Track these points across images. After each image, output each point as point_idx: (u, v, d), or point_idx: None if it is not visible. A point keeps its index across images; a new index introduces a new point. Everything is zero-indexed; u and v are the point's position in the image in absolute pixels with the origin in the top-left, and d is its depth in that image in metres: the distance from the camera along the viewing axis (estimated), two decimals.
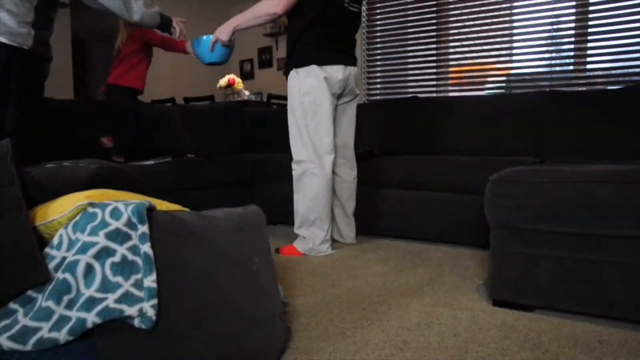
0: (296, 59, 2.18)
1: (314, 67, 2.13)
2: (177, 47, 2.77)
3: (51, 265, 0.94)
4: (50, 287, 0.89)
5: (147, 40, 2.76)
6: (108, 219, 0.95)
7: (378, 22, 3.87)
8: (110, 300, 0.87)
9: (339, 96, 2.27)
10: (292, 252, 2.28)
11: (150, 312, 0.88)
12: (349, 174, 2.42)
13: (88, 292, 0.88)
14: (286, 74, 2.26)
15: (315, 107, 2.15)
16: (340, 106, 2.32)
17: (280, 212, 3.01)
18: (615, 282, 1.32)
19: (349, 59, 2.24)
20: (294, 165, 2.28)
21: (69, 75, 5.15)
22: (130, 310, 0.87)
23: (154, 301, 0.90)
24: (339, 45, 2.20)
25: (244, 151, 3.69)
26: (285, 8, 2.05)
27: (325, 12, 2.13)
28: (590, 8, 3.01)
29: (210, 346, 0.96)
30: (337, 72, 2.17)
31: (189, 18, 6.99)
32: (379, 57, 3.89)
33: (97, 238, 0.92)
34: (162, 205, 1.17)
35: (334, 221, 2.48)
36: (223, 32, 2.17)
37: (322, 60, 2.14)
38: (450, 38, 3.56)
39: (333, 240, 2.49)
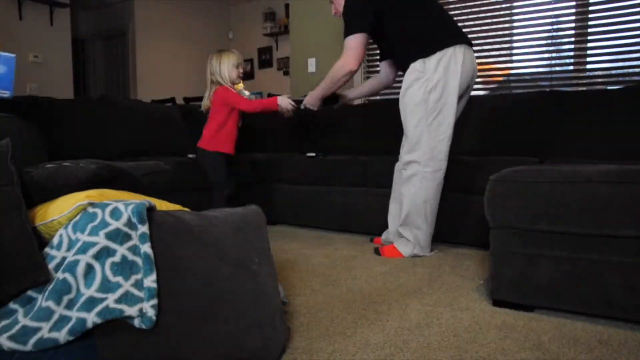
0: (418, 49, 2.03)
1: (447, 51, 1.98)
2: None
3: (51, 265, 0.94)
4: (50, 287, 0.89)
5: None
6: (108, 219, 0.95)
7: None
8: (111, 300, 0.87)
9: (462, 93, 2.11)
10: (394, 253, 2.16)
11: (151, 312, 0.88)
12: None
13: (88, 292, 0.88)
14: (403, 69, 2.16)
15: (440, 105, 2.01)
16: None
17: (280, 212, 3.02)
18: (615, 282, 1.32)
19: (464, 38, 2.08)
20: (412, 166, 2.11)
21: (69, 75, 5.17)
22: (131, 310, 0.87)
23: (154, 301, 0.90)
24: (447, 26, 2.08)
25: (244, 151, 3.68)
26: (359, 61, 2.11)
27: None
28: (590, 8, 3.01)
29: (210, 346, 0.96)
30: (465, 55, 2.02)
31: (189, 18, 6.96)
32: (378, 57, 3.88)
33: (97, 238, 0.92)
34: (162, 205, 1.17)
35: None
36: (314, 103, 2.38)
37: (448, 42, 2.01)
38: None
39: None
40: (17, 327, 0.86)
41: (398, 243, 2.20)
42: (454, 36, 2.03)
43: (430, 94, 1.99)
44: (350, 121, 3.35)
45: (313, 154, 2.93)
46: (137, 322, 0.88)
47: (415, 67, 2.03)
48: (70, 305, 0.87)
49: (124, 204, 0.98)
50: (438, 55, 1.98)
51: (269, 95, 4.97)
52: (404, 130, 2.14)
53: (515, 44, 3.32)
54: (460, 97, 2.11)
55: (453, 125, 2.07)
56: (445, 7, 3.53)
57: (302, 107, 2.39)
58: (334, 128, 3.42)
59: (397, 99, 3.29)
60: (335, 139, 3.37)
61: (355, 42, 2.08)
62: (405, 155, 2.13)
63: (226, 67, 2.55)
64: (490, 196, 1.49)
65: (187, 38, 6.48)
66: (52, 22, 5.03)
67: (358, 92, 2.63)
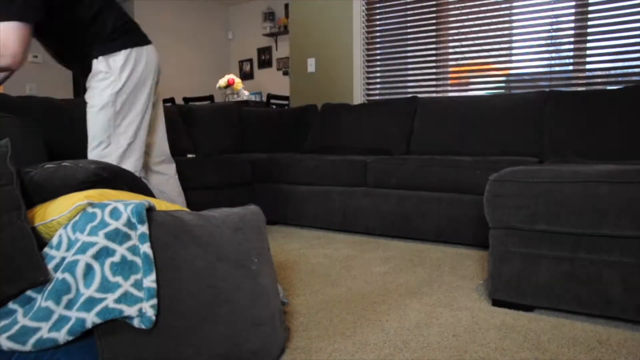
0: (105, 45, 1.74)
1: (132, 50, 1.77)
2: None
3: (50, 265, 0.94)
4: (50, 287, 0.89)
5: None
6: (107, 219, 0.95)
7: (377, 22, 3.87)
8: (110, 300, 0.87)
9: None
10: None
11: (150, 312, 0.88)
12: (170, 168, 2.19)
13: (87, 292, 0.88)
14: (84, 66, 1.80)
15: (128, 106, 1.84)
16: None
17: (280, 212, 3.02)
18: (615, 282, 1.32)
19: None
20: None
21: (68, 75, 5.16)
22: (130, 310, 0.87)
23: (154, 301, 0.90)
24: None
25: (244, 151, 3.69)
26: (21, 61, 1.54)
27: None
28: (590, 8, 3.01)
29: (209, 346, 0.96)
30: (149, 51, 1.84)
31: (189, 19, 6.96)
32: (378, 57, 3.89)
33: (96, 238, 0.92)
34: (161, 205, 1.17)
35: None
36: None
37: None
38: (450, 38, 3.56)
39: None
40: (16, 327, 0.86)
41: None
42: (138, 35, 1.82)
43: (119, 95, 1.77)
44: (350, 121, 3.35)
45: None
46: (136, 322, 0.88)
47: (99, 67, 1.76)
48: (69, 305, 0.87)
49: (123, 204, 0.98)
50: (124, 53, 1.75)
51: (269, 95, 4.98)
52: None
53: (514, 44, 3.32)
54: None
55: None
56: (445, 7, 3.55)
57: None
58: (333, 128, 3.42)
59: (398, 99, 3.30)
60: (335, 138, 3.37)
61: (19, 33, 1.49)
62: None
63: None
64: (490, 196, 1.49)
65: (187, 38, 6.48)
66: None
67: None
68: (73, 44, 1.75)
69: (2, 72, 1.60)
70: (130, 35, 1.79)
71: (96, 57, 1.74)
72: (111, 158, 1.81)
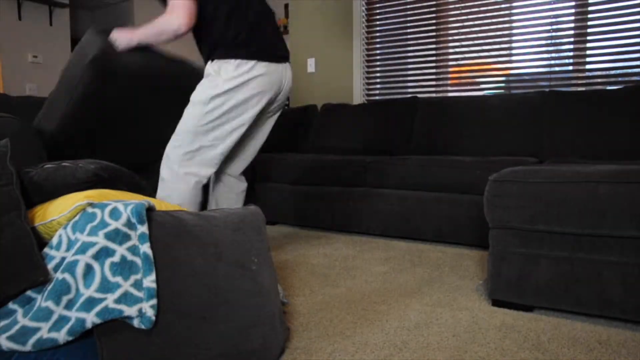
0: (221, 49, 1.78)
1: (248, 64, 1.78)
2: None
3: (50, 266, 0.94)
4: (50, 287, 0.89)
5: None
6: (107, 219, 0.95)
7: (377, 22, 3.86)
8: (110, 300, 0.87)
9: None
10: None
11: (150, 313, 0.88)
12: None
13: (87, 292, 0.88)
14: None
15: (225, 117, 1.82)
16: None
17: (280, 212, 3.02)
18: (615, 282, 1.32)
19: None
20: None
21: None
22: (130, 311, 0.87)
23: (154, 301, 0.90)
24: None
25: None
26: (189, 25, 1.71)
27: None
28: (590, 8, 3.01)
29: (209, 346, 0.96)
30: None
31: None
32: (378, 57, 3.89)
33: (96, 238, 0.92)
34: (161, 205, 1.17)
35: None
36: (123, 43, 1.78)
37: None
38: (450, 38, 3.56)
39: None
40: (16, 327, 0.86)
41: None
42: (260, 50, 1.79)
43: (214, 99, 1.75)
44: (350, 121, 3.35)
45: None
46: (136, 322, 0.88)
47: (213, 66, 1.79)
48: (69, 306, 0.87)
49: (123, 204, 0.98)
50: (235, 62, 1.75)
51: None
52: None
53: (514, 44, 3.32)
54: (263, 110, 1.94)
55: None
56: (445, 7, 3.55)
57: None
58: (333, 128, 3.42)
59: (398, 99, 3.30)
60: (335, 138, 3.37)
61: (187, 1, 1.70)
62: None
63: None
64: (489, 196, 1.49)
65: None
66: (52, 23, 5.03)
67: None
68: (201, 42, 1.85)
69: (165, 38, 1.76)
70: (250, 47, 1.76)
71: (212, 60, 1.79)
72: (175, 152, 1.79)
